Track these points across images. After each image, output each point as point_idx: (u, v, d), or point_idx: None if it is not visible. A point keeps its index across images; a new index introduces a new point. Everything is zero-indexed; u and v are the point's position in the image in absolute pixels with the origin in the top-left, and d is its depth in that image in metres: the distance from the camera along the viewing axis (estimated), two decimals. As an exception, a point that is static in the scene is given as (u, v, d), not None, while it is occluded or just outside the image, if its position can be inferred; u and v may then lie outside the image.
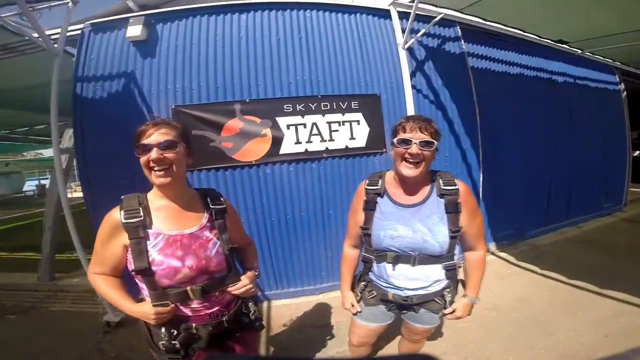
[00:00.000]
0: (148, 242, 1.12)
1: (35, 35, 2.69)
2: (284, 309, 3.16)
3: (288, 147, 3.15)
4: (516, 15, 3.54)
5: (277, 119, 3.13)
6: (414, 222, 1.33)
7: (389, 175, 1.44)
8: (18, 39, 3.15)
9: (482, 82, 3.96)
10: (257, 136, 3.09)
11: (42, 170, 20.23)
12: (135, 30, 3.01)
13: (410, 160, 1.25)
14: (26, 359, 2.58)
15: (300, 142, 3.17)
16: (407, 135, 1.25)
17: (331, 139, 3.22)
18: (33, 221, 9.18)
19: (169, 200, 1.20)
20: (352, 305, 1.59)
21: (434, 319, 1.52)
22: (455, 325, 2.44)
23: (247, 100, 3.12)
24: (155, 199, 1.20)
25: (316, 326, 2.83)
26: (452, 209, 1.31)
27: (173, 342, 1.16)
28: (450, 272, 1.40)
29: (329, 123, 3.22)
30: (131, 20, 3.06)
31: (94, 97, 3.10)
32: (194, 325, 1.20)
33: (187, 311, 1.19)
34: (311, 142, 3.18)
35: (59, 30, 2.95)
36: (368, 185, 1.44)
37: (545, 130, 4.65)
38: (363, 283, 1.57)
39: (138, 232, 1.11)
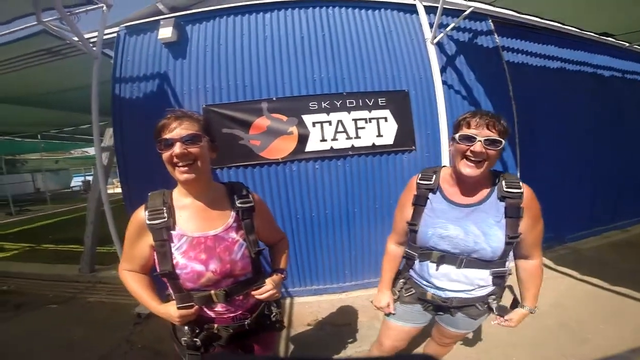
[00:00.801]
0: (172, 245, 1.09)
1: (75, 38, 2.84)
2: (306, 307, 3.15)
3: (314, 144, 3.13)
4: (553, 7, 3.32)
5: (303, 116, 3.13)
6: (467, 223, 1.24)
7: (445, 172, 1.36)
8: (60, 43, 3.34)
9: (519, 77, 3.72)
10: (284, 134, 3.11)
11: (88, 167, 21.58)
12: (166, 32, 3.12)
13: (472, 159, 1.15)
14: (62, 346, 2.71)
15: (326, 140, 3.14)
16: (471, 132, 1.14)
17: (357, 137, 3.16)
18: (78, 215, 9.75)
19: (194, 197, 1.15)
20: (388, 305, 1.53)
21: (471, 324, 1.44)
22: (483, 329, 2.36)
23: (274, 99, 3.15)
24: (180, 197, 1.15)
25: (337, 325, 2.81)
26: (513, 214, 1.20)
27: (195, 339, 1.16)
28: (499, 279, 1.31)
29: (355, 120, 3.17)
30: (162, 23, 3.18)
31: (131, 97, 3.25)
32: (215, 326, 1.19)
33: (211, 313, 1.18)
34: (337, 139, 3.15)
35: (96, 33, 3.12)
36: (420, 179, 1.36)
37: (590, 128, 4.30)
38: (402, 280, 1.51)
39: (162, 234, 1.08)
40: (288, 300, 3.26)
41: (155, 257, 1.11)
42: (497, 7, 3.36)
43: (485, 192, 1.26)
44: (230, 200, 1.21)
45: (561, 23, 3.69)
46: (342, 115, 3.17)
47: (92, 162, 20.39)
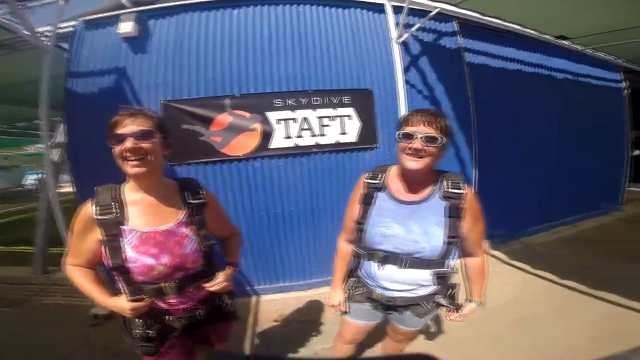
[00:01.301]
0: (122, 239, 1.09)
1: (27, 32, 2.66)
2: (272, 304, 3.15)
3: (278, 141, 3.11)
4: (515, 10, 3.45)
5: (267, 113, 3.10)
6: (409, 222, 1.26)
7: (393, 170, 1.36)
8: (11, 36, 3.14)
9: (479, 78, 3.87)
10: (247, 130, 3.06)
11: (42, 165, 20.11)
12: (126, 27, 2.99)
13: (413, 155, 1.18)
14: (19, 352, 2.57)
15: (290, 137, 3.13)
16: (410, 129, 1.16)
17: (322, 134, 3.17)
18: (31, 215, 9.18)
19: (144, 192, 1.15)
20: (340, 303, 1.55)
21: (418, 322, 1.47)
22: (444, 325, 2.43)
23: (237, 95, 3.09)
24: (130, 192, 1.15)
25: (303, 321, 2.82)
26: (454, 214, 1.23)
27: (148, 331, 1.18)
28: (441, 279, 1.33)
29: (320, 118, 3.18)
30: (123, 17, 3.04)
31: (86, 92, 3.09)
32: (168, 317, 1.21)
33: (163, 305, 1.19)
34: (301, 136, 3.14)
35: (50, 27, 2.96)
36: (368, 178, 1.37)
37: (543, 128, 4.56)
38: (353, 279, 1.52)
39: (112, 228, 1.08)
40: (254, 298, 3.24)
41: (105, 252, 1.10)
42: (462, 8, 3.45)
43: (428, 190, 1.27)
44: (182, 196, 1.22)
45: (522, 26, 3.85)
46: (308, 113, 3.16)
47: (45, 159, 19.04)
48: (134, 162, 1.05)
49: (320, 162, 3.22)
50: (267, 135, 3.09)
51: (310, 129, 3.16)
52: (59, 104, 3.11)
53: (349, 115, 3.22)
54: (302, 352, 2.41)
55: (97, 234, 1.10)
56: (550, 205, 4.75)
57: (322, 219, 3.28)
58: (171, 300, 1.19)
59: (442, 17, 3.63)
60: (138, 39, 3.10)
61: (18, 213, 10.03)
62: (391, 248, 1.28)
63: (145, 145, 1.06)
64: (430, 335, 2.42)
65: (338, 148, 3.22)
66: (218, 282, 1.24)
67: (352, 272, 1.54)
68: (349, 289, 1.53)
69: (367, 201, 1.33)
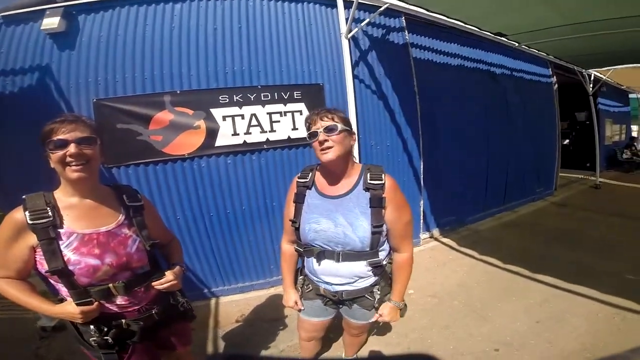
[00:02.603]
0: (61, 242, 1.06)
1: None
2: (233, 305, 3.05)
3: (225, 139, 2.96)
4: (458, 7, 3.54)
5: (212, 110, 2.93)
6: (336, 215, 1.29)
7: (319, 168, 1.41)
8: None
9: (424, 73, 3.98)
10: (190, 128, 2.88)
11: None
12: (52, 22, 2.67)
13: (322, 148, 1.23)
14: None
15: (238, 134, 2.99)
16: (313, 128, 1.26)
17: (272, 130, 3.08)
18: None
19: (81, 197, 1.15)
20: (296, 303, 1.55)
21: (367, 315, 1.48)
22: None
23: (178, 92, 2.88)
24: (65, 197, 1.13)
25: (266, 320, 2.76)
26: (376, 204, 1.26)
27: (105, 337, 1.14)
28: (377, 269, 1.36)
29: (270, 114, 3.07)
30: (48, 12, 2.71)
31: (6, 91, 2.74)
32: (124, 321, 1.18)
33: (113, 308, 1.17)
34: (250, 133, 3.02)
35: None
36: (299, 177, 1.42)
37: (483, 120, 4.82)
38: (301, 277, 1.55)
39: (48, 232, 1.05)
40: (213, 301, 3.11)
41: (41, 258, 1.07)
42: (409, 4, 3.48)
43: (351, 183, 1.32)
44: (119, 200, 1.24)
45: (464, 22, 3.97)
46: (256, 109, 3.04)
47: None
48: (77, 167, 1.06)
49: (271, 158, 3.13)
50: (212, 133, 2.93)
51: (259, 125, 3.05)
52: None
53: (300, 111, 3.16)
54: (268, 350, 2.38)
55: (30, 240, 1.07)
56: (493, 192, 5.05)
57: (277, 215, 3.18)
58: (121, 302, 1.17)
59: (390, 12, 3.67)
60: (65, 35, 2.78)
61: None
62: (324, 243, 1.31)
63: (87, 151, 1.08)
64: (386, 327, 2.45)
65: (290, 144, 3.15)
66: (167, 280, 1.24)
67: (300, 270, 1.56)
68: (300, 287, 1.55)
69: (299, 200, 1.38)
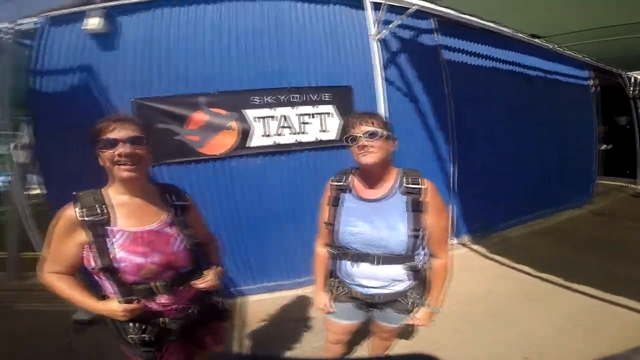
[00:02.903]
0: (109, 240, 1.08)
1: None
2: (261, 304, 3.06)
3: (257, 140, 3.01)
4: (491, 8, 3.45)
5: (245, 111, 2.98)
6: (373, 219, 1.28)
7: (356, 172, 1.42)
8: None
9: (456, 75, 3.88)
10: (223, 129, 2.94)
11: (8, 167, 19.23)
12: (94, 23, 2.80)
13: (363, 152, 1.24)
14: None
15: (269, 135, 3.03)
16: (352, 132, 1.25)
17: (303, 132, 3.09)
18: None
19: (130, 195, 1.16)
20: (326, 305, 1.55)
21: (400, 318, 1.46)
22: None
23: (213, 93, 2.96)
24: (114, 195, 1.15)
25: (293, 320, 2.75)
26: (415, 208, 1.26)
27: (143, 335, 1.15)
28: (414, 273, 1.34)
29: (300, 115, 3.09)
30: (90, 13, 2.85)
31: (52, 91, 2.89)
32: (162, 319, 1.19)
33: (154, 306, 1.18)
34: (281, 134, 3.05)
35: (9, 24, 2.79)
36: (334, 181, 1.42)
37: (517, 124, 4.62)
38: (335, 280, 1.53)
39: (98, 230, 1.07)
40: (240, 299, 3.13)
41: (90, 254, 1.09)
42: (440, 6, 3.42)
43: (389, 186, 1.32)
44: (165, 199, 1.25)
45: (497, 24, 3.87)
46: (287, 110, 3.07)
47: (9, 161, 18.18)
48: (128, 167, 1.07)
49: (301, 160, 3.14)
50: (245, 134, 2.98)
51: (290, 126, 3.07)
52: (22, 103, 2.89)
53: (329, 113, 3.15)
54: (294, 351, 2.37)
55: (81, 237, 1.09)
56: (525, 199, 4.83)
57: (305, 216, 3.15)
58: (162, 301, 1.17)
59: (420, 14, 3.60)
60: (106, 36, 2.92)
61: None
62: (361, 246, 1.31)
63: (138, 150, 1.09)
64: (407, 332, 2.40)
65: (319, 145, 3.15)
66: (208, 280, 1.25)
67: (332, 273, 1.54)
68: (332, 290, 1.53)
69: (335, 203, 1.38)
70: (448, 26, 3.96)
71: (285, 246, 3.23)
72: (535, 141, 4.84)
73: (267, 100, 3.03)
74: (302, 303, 3.00)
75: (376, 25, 3.25)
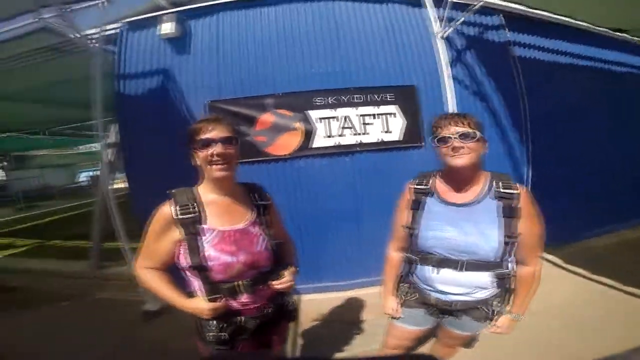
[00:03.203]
0: (202, 238, 1.11)
1: (75, 35, 2.71)
2: (314, 303, 3.04)
3: (320, 140, 3.02)
4: (563, 2, 3.16)
5: (308, 112, 3.02)
6: (463, 224, 1.23)
7: (439, 175, 1.37)
8: (60, 40, 3.25)
9: (530, 73, 3.56)
10: (289, 130, 3.00)
11: (95, 163, 21.67)
12: (168, 27, 3.02)
13: (455, 154, 1.18)
14: (71, 345, 2.62)
15: (332, 136, 3.03)
16: (443, 133, 1.20)
17: (364, 132, 3.04)
18: (85, 211, 9.60)
19: (220, 194, 1.18)
20: (394, 310, 1.52)
21: (476, 326, 1.40)
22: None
23: (279, 94, 3.04)
24: (206, 194, 1.18)
25: (345, 322, 2.72)
26: (510, 213, 1.19)
27: (221, 333, 1.17)
28: (502, 280, 1.27)
29: (362, 116, 3.05)
30: (163, 18, 3.06)
31: (135, 94, 3.15)
32: (240, 318, 1.21)
33: (236, 305, 1.19)
34: (343, 135, 3.03)
35: (96, 30, 3.04)
36: (415, 184, 1.37)
37: (603, 124, 4.12)
38: (406, 285, 1.48)
39: (191, 227, 1.10)
40: (295, 297, 3.14)
41: (183, 252, 1.13)
42: (507, 1, 3.20)
43: (479, 191, 1.25)
44: (250, 198, 1.27)
45: (572, 18, 3.54)
46: (349, 111, 3.05)
47: (98, 158, 20.44)
48: (221, 166, 1.10)
49: (363, 161, 3.09)
50: (308, 134, 3.01)
51: (352, 127, 3.04)
52: (110, 105, 3.18)
53: (392, 113, 3.07)
54: (342, 353, 2.32)
55: (176, 234, 1.12)
56: (608, 207, 4.28)
57: (366, 218, 3.14)
58: (243, 300, 1.19)
59: (486, 10, 3.40)
60: (179, 40, 3.12)
61: (73, 209, 10.57)
62: (446, 251, 1.26)
63: (230, 150, 1.12)
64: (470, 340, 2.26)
65: (382, 147, 3.08)
66: (286, 280, 1.23)
67: (404, 278, 1.51)
68: (402, 295, 1.50)
69: (416, 207, 1.34)
70: (517, 22, 3.68)
71: (341, 248, 3.20)
72: (620, 144, 4.27)
73: (329, 101, 3.03)
74: (354, 305, 2.95)
75: (441, 23, 3.12)
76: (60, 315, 3.15)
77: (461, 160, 1.17)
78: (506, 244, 1.19)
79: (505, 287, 1.31)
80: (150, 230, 1.16)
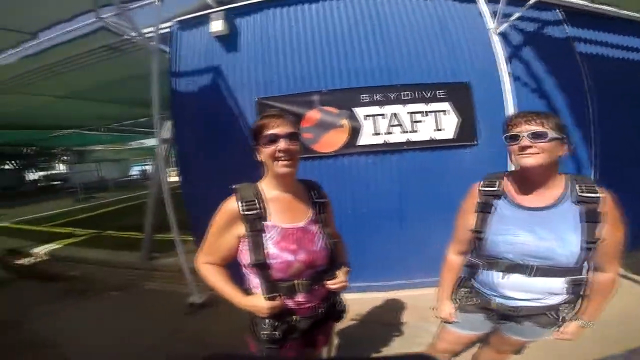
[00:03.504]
0: (264, 235, 1.09)
1: (133, 34, 2.82)
2: (351, 303, 2.94)
3: (366, 138, 2.95)
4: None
5: (355, 109, 2.96)
6: (539, 229, 1.16)
7: (510, 177, 1.29)
8: (117, 39, 3.41)
9: (596, 70, 3.25)
10: (335, 127, 2.96)
11: (145, 158, 23.21)
12: (217, 26, 3.08)
13: (525, 153, 1.12)
14: (118, 334, 2.69)
15: (379, 133, 2.95)
16: (513, 131, 1.14)
17: (413, 130, 2.93)
18: (136, 203, 10.18)
19: (283, 191, 1.17)
20: (450, 315, 1.48)
21: (538, 332, 1.32)
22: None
23: (325, 91, 3.01)
24: (269, 190, 1.16)
25: (382, 323, 2.64)
26: (592, 219, 1.11)
27: (274, 332, 1.14)
28: (575, 286, 1.20)
29: (411, 113, 2.94)
30: (212, 16, 3.13)
31: (187, 91, 3.26)
32: (295, 317, 1.19)
33: (292, 304, 1.17)
34: (391, 133, 2.94)
35: (147, 29, 3.13)
36: (483, 186, 1.30)
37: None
38: (465, 289, 1.44)
39: (256, 224, 1.09)
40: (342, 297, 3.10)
41: (246, 248, 1.11)
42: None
43: (557, 194, 1.17)
44: (309, 195, 1.24)
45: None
46: (397, 108, 2.95)
47: (148, 153, 21.89)
48: (286, 162, 1.08)
49: (412, 160, 2.97)
50: (355, 132, 2.95)
51: (400, 125, 2.94)
52: (165, 102, 3.30)
53: (444, 111, 2.93)
54: (380, 354, 2.27)
55: (239, 230, 1.11)
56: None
57: (409, 220, 3.02)
58: (299, 299, 1.17)
59: (542, 5, 3.18)
60: (228, 37, 3.18)
61: (126, 201, 11.18)
62: (518, 257, 1.20)
63: (294, 146, 1.10)
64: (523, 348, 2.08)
65: (432, 145, 2.95)
66: (339, 280, 1.21)
67: (462, 282, 1.47)
68: (459, 300, 1.46)
69: (485, 209, 1.27)
70: (578, 17, 3.39)
71: (382, 248, 3.10)
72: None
73: (376, 98, 2.96)
74: (392, 306, 2.86)
75: (497, 19, 2.94)
76: (112, 305, 3.29)
77: (529, 160, 1.10)
78: (587, 249, 1.12)
79: (578, 293, 1.24)
80: (214, 224, 1.16)
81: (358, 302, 2.95)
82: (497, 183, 1.28)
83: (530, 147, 1.09)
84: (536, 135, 1.08)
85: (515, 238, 1.19)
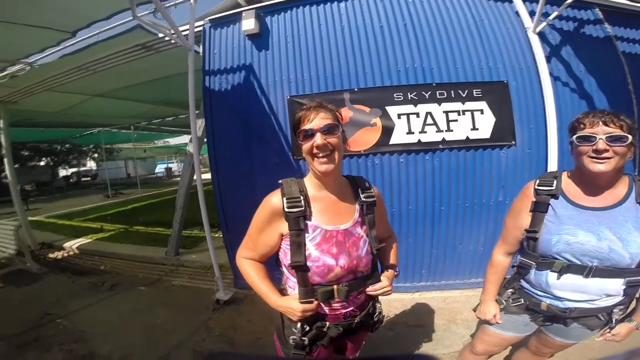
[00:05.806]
0: (306, 235, 1.00)
1: (169, 31, 2.74)
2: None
3: (399, 137, 2.78)
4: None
5: (387, 108, 2.80)
6: (600, 228, 1.09)
7: (567, 176, 1.23)
8: (152, 38, 3.34)
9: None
10: (367, 125, 2.81)
11: (169, 156, 23.79)
12: (249, 24, 2.98)
13: (597, 157, 1.03)
14: (144, 328, 2.66)
15: (413, 132, 2.77)
16: (589, 131, 1.04)
17: (449, 129, 2.74)
18: (163, 199, 10.33)
19: (326, 190, 1.06)
20: (495, 316, 1.40)
21: (585, 334, 1.28)
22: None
23: (356, 90, 2.86)
24: (312, 188, 1.06)
25: (409, 325, 2.51)
26: None
27: (304, 338, 1.06)
28: (632, 288, 1.14)
29: (446, 112, 2.75)
30: (244, 15, 3.04)
31: (220, 89, 3.18)
32: (327, 323, 1.09)
33: (326, 310, 1.08)
34: (425, 132, 2.76)
35: (184, 27, 3.06)
36: (539, 185, 1.22)
37: None
38: (510, 290, 1.37)
39: (299, 223, 0.99)
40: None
41: (287, 248, 1.03)
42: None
43: (620, 194, 1.11)
44: (355, 194, 1.11)
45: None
46: (432, 107, 2.77)
47: (173, 152, 22.27)
48: (323, 159, 0.97)
49: (446, 159, 2.79)
50: (387, 131, 2.79)
51: (435, 124, 2.76)
52: (197, 100, 3.21)
53: (480, 110, 2.74)
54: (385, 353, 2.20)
55: (281, 228, 1.02)
56: None
57: (442, 220, 2.84)
58: (335, 305, 1.07)
59: (579, 4, 2.97)
60: (259, 36, 3.09)
61: (153, 197, 11.25)
62: (576, 256, 1.14)
63: (332, 140, 0.97)
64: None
65: (468, 145, 2.75)
66: (382, 286, 1.09)
67: (508, 282, 1.40)
68: (504, 301, 1.39)
69: (541, 209, 1.20)
70: (619, 16, 3.14)
71: (413, 249, 2.94)
72: None
73: (410, 97, 2.79)
74: (420, 308, 2.71)
75: (535, 18, 2.74)
76: (140, 300, 3.22)
77: (603, 165, 1.02)
78: None
79: (633, 295, 1.18)
80: (256, 220, 1.07)
81: (383, 302, 2.81)
82: (554, 182, 1.20)
83: (606, 150, 1.01)
84: (615, 139, 1.00)
85: (573, 238, 1.12)
